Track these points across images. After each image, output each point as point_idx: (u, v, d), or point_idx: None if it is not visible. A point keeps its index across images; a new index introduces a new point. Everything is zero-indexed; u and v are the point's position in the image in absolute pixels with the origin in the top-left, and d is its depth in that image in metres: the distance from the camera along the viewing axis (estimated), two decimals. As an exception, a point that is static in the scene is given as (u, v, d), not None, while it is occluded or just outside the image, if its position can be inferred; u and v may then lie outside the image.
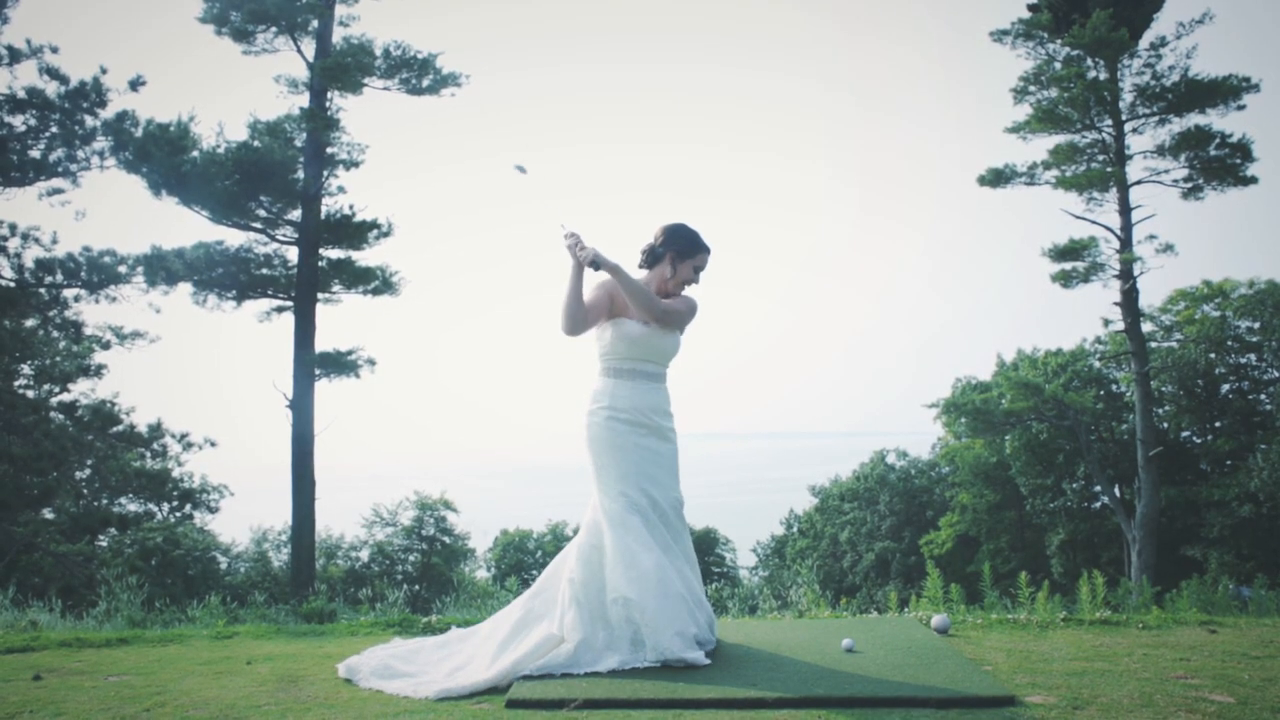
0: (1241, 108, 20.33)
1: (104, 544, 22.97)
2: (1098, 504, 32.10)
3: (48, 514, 21.39)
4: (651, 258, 4.35)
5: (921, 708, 3.32)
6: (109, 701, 3.67)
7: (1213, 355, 29.61)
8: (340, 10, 19.35)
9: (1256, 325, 29.38)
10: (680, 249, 4.31)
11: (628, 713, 3.29)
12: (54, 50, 16.76)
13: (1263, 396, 30.26)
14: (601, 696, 3.44)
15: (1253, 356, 30.18)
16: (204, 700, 3.64)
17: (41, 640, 5.04)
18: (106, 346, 20.52)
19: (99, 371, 20.57)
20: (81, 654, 4.79)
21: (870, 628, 4.81)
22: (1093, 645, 4.44)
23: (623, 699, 3.43)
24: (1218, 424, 30.59)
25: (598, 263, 4.11)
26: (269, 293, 19.28)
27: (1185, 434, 31.45)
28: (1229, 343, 29.81)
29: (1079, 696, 3.41)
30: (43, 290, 17.79)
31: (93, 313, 44.59)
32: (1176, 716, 3.15)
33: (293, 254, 19.09)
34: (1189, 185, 20.99)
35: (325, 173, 18.88)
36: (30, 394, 19.43)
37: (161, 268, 17.86)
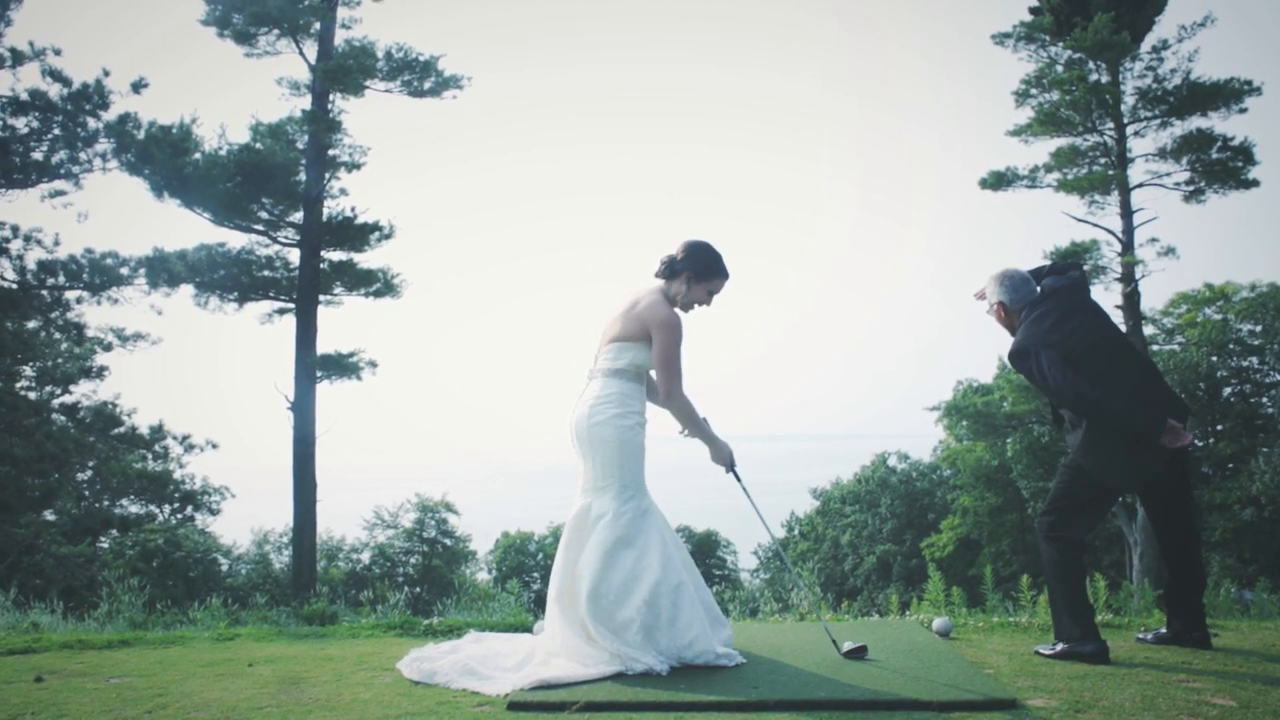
0: (1243, 111, 20.29)
1: (105, 546, 22.98)
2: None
3: (49, 516, 21.40)
4: (670, 271, 4.29)
5: (924, 710, 3.31)
6: (110, 703, 3.67)
7: (1214, 358, 29.57)
8: (342, 13, 19.35)
9: (1258, 328, 29.35)
10: (698, 270, 4.25)
11: (629, 715, 3.29)
12: (57, 53, 16.80)
13: (1264, 400, 30.21)
14: (603, 700, 3.44)
15: (1255, 359, 30.15)
16: (206, 702, 3.64)
17: (43, 642, 5.04)
18: (109, 349, 20.55)
19: (101, 373, 20.61)
20: (83, 656, 4.78)
21: (872, 630, 4.81)
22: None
23: (624, 702, 3.42)
24: (1219, 427, 30.54)
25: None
26: (271, 295, 19.27)
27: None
28: (1231, 346, 29.78)
29: (1080, 700, 3.40)
30: (45, 292, 17.81)
31: (95, 314, 44.68)
32: (1177, 719, 3.15)
33: (294, 256, 19.08)
34: (1190, 188, 20.95)
35: (327, 175, 18.88)
36: (33, 396, 19.45)
37: (163, 269, 17.87)
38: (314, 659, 4.42)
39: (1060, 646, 4.21)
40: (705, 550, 45.22)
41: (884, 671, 3.82)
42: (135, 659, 4.66)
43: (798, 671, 3.86)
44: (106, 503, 23.64)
